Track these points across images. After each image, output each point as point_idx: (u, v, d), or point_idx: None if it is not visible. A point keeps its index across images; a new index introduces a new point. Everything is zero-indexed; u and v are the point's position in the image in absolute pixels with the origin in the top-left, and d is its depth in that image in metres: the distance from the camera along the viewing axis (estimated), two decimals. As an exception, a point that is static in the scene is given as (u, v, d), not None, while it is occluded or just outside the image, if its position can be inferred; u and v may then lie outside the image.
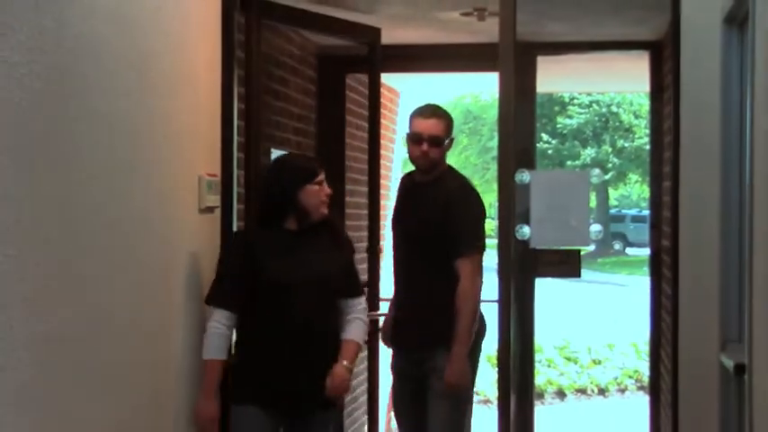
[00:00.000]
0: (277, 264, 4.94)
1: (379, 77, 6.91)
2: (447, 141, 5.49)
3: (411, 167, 5.95)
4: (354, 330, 5.17)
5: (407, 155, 5.71)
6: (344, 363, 5.04)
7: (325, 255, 5.08)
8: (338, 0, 6.28)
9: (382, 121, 9.20)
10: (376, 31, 6.55)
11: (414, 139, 5.37)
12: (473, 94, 31.50)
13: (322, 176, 5.03)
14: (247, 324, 4.98)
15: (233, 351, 5.09)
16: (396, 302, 5.84)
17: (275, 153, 6.51)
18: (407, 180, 5.89)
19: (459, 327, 5.37)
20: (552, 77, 9.31)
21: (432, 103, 5.83)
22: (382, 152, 9.23)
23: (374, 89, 6.85)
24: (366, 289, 5.86)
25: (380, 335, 5.95)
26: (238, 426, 4.96)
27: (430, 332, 5.49)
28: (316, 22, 6.43)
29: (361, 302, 5.30)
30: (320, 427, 5.14)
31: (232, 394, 5.02)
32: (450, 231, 5.41)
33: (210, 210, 5.33)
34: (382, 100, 9.11)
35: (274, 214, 5.01)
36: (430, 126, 5.34)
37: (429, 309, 5.51)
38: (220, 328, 4.89)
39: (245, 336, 5.01)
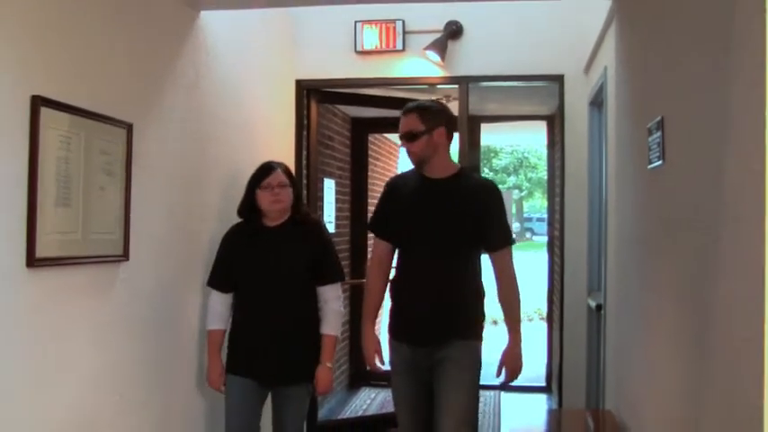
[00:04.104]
0: (248, 254, 3.74)
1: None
2: (427, 134, 3.44)
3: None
4: (329, 323, 3.78)
5: None
6: (327, 365, 3.76)
7: (294, 246, 3.74)
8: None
9: (387, 163, 9.21)
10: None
11: (400, 138, 3.57)
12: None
13: (270, 180, 3.72)
14: (236, 305, 3.79)
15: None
16: (407, 299, 3.53)
17: (326, 181, 6.53)
18: (413, 179, 3.57)
19: (513, 315, 3.50)
20: (489, 136, 9.32)
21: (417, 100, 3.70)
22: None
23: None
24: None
25: (388, 330, 3.62)
26: (229, 392, 3.73)
27: (449, 326, 3.43)
28: (364, 100, 6.12)
29: (334, 289, 3.84)
30: (299, 395, 3.77)
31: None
32: (488, 224, 3.43)
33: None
34: (386, 150, 9.11)
35: (246, 213, 3.80)
36: (404, 123, 3.48)
37: (450, 304, 3.44)
38: (217, 306, 3.76)
39: (234, 315, 3.80)
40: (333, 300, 3.82)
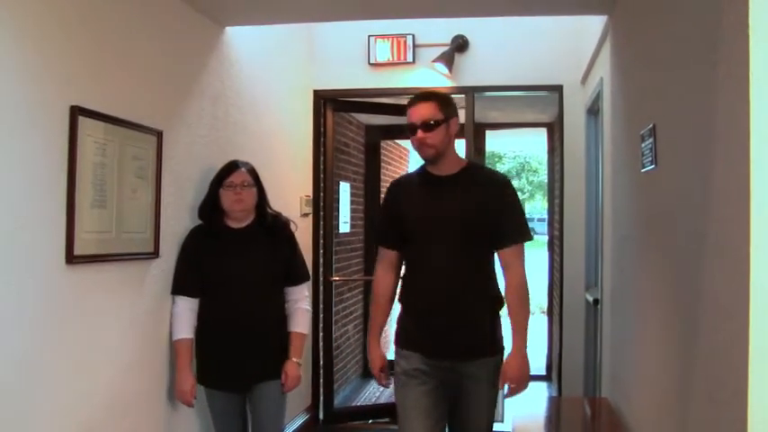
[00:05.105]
0: (217, 258, 3.31)
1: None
2: (444, 124, 2.88)
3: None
4: (299, 321, 3.45)
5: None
6: (295, 360, 3.41)
7: (261, 249, 3.37)
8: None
9: (397, 167, 9.20)
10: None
11: (410, 129, 2.90)
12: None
13: (233, 179, 3.34)
14: (201, 311, 3.33)
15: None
16: (421, 309, 2.94)
17: (342, 185, 6.54)
18: (419, 179, 3.02)
19: (518, 318, 2.87)
20: (494, 142, 9.31)
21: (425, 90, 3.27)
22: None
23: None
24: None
25: (395, 340, 3.02)
26: (209, 403, 3.40)
27: (469, 343, 2.88)
28: (377, 108, 5.93)
29: (302, 290, 3.50)
30: (273, 392, 3.35)
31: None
32: (503, 219, 2.88)
33: (306, 215, 5.34)
34: (397, 155, 9.10)
35: (208, 213, 3.40)
36: (419, 111, 2.87)
37: (468, 317, 2.88)
38: (183, 313, 3.28)
39: (200, 322, 3.33)
40: (302, 299, 3.50)
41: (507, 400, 5.68)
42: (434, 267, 2.90)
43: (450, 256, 2.87)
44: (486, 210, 2.88)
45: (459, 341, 2.88)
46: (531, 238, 2.95)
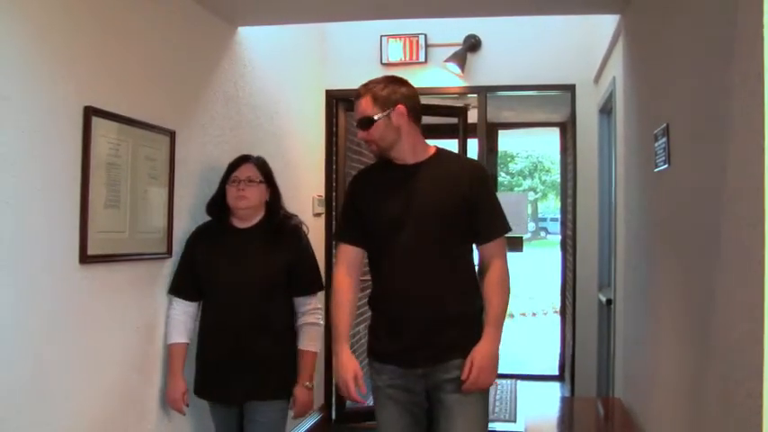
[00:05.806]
0: (212, 259, 3.06)
1: (467, 138, 5.62)
2: (384, 118, 2.60)
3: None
4: (308, 339, 3.10)
5: None
6: (306, 384, 3.07)
7: (266, 254, 3.06)
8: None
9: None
10: (464, 110, 5.78)
11: (356, 128, 2.69)
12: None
13: (238, 174, 3.09)
14: (201, 315, 3.12)
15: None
16: (393, 312, 2.62)
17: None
18: (382, 170, 2.71)
19: (496, 309, 2.58)
20: (506, 141, 9.28)
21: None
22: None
23: (463, 146, 5.61)
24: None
25: (367, 350, 2.76)
26: (211, 412, 3.19)
27: (448, 343, 2.57)
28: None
29: (311, 301, 3.14)
30: (269, 413, 3.03)
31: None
32: (478, 211, 2.60)
33: (319, 215, 5.34)
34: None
35: (216, 210, 3.16)
36: (357, 108, 2.65)
37: (446, 314, 2.56)
38: (179, 316, 3.06)
39: (200, 327, 3.11)
40: (309, 312, 3.14)
41: (520, 400, 5.63)
42: (404, 266, 2.59)
43: (421, 252, 2.58)
44: (461, 200, 2.59)
45: (435, 345, 2.58)
46: (510, 230, 2.70)
